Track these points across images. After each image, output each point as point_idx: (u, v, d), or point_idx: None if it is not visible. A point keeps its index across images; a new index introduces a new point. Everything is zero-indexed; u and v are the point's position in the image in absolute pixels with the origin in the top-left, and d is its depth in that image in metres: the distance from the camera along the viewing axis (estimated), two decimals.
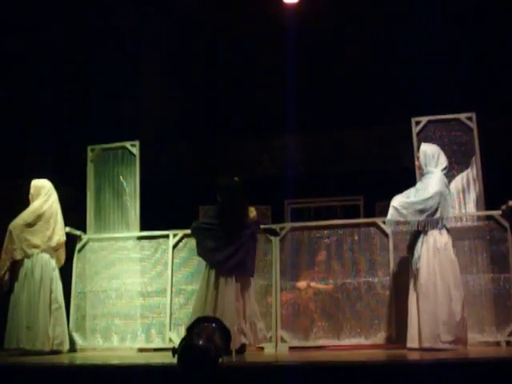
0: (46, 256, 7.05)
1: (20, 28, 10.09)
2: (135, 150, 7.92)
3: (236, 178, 6.70)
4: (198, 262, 7.34)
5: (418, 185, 6.33)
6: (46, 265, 7.04)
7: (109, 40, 10.62)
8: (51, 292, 7.01)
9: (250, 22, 10.52)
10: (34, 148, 10.52)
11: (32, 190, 7.24)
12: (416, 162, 6.47)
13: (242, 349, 6.21)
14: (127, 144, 8.00)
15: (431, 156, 6.24)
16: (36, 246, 7.00)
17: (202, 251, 6.56)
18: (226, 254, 6.33)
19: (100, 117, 10.51)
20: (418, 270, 6.05)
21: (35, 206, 7.16)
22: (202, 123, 10.80)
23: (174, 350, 4.55)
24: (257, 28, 10.57)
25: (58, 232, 7.20)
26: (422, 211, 6.04)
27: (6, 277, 6.94)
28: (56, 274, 7.15)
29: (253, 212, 7.41)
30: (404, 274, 6.69)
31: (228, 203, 6.49)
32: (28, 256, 6.95)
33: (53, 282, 7.06)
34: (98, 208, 7.91)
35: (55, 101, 10.85)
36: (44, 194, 7.22)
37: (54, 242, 7.13)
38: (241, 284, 6.35)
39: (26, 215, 7.11)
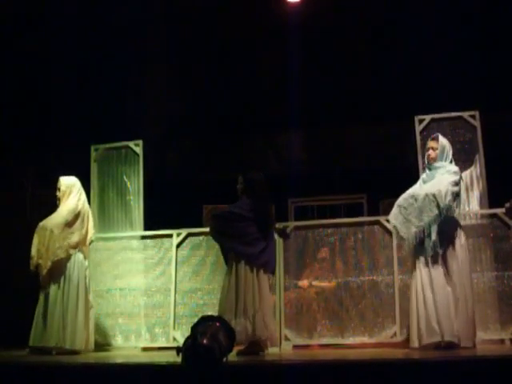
0: (81, 255, 7.01)
1: (23, 26, 10.11)
2: (139, 150, 7.93)
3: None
4: (202, 261, 7.38)
5: (427, 176, 6.22)
6: (82, 264, 7.02)
7: (112, 39, 10.63)
8: (86, 292, 7.00)
9: (254, 19, 10.51)
10: (37, 147, 10.54)
11: (63, 188, 7.10)
12: (430, 153, 6.21)
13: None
14: (131, 143, 8.01)
15: (448, 150, 6.21)
16: (75, 246, 6.95)
17: (229, 242, 6.33)
18: (259, 249, 6.26)
19: (103, 116, 10.52)
20: (436, 256, 5.91)
21: (71, 204, 7.07)
22: (205, 122, 10.79)
23: (178, 349, 4.56)
24: (260, 26, 10.56)
25: (90, 230, 7.18)
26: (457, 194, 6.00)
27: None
28: (88, 273, 7.10)
29: None
30: (408, 272, 6.70)
31: (262, 198, 6.41)
32: (69, 255, 6.90)
33: (87, 281, 7.05)
34: (101, 207, 7.93)
35: (58, 100, 10.86)
36: (76, 192, 7.16)
37: (88, 241, 7.13)
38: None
39: (65, 214, 7.00)
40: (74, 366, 5.39)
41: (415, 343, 5.88)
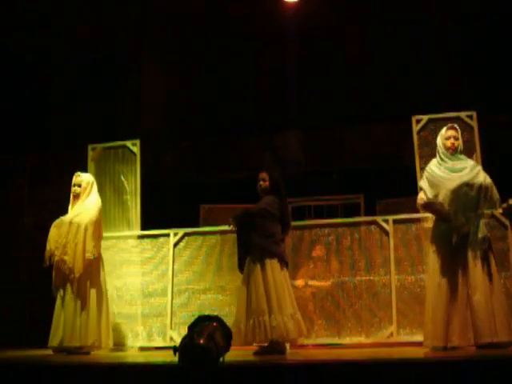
0: (100, 254, 6.98)
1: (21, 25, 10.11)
2: (136, 149, 7.93)
3: None
4: (199, 261, 7.38)
5: (453, 165, 5.90)
6: (103, 263, 7.01)
7: (110, 39, 10.63)
8: (107, 291, 6.99)
9: (252, 20, 10.52)
10: (35, 147, 10.53)
11: (84, 184, 6.98)
12: (454, 141, 5.92)
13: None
14: (128, 143, 8.01)
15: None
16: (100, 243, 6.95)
17: (259, 239, 6.11)
18: (283, 248, 6.25)
19: (101, 115, 10.52)
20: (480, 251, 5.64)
21: (97, 202, 7.01)
22: (202, 121, 10.80)
23: (175, 349, 4.56)
24: (258, 26, 10.57)
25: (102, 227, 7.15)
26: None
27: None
28: (103, 271, 7.04)
29: None
30: (404, 272, 6.72)
31: (285, 197, 6.33)
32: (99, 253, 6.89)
33: (106, 281, 7.04)
34: None
35: (56, 99, 10.86)
36: (95, 189, 7.11)
37: (102, 238, 7.08)
38: None
39: (96, 212, 6.91)
40: (68, 365, 5.39)
41: (440, 342, 5.54)
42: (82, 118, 10.63)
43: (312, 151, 10.59)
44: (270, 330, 5.84)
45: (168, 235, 7.54)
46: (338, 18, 10.32)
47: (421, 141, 7.12)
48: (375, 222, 7.08)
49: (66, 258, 6.64)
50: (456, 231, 5.63)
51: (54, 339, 6.63)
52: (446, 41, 9.77)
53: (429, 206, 5.85)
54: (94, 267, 6.81)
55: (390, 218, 7.04)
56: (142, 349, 7.30)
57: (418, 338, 6.55)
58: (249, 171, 10.23)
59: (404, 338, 6.66)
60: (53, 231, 6.81)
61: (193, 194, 9.98)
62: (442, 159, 5.93)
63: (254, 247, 6.11)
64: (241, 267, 6.23)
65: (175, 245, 7.48)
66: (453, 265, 5.64)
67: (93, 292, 6.76)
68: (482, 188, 5.71)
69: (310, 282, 7.14)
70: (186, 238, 7.49)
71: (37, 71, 10.68)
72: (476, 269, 5.58)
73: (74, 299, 6.64)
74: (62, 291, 6.72)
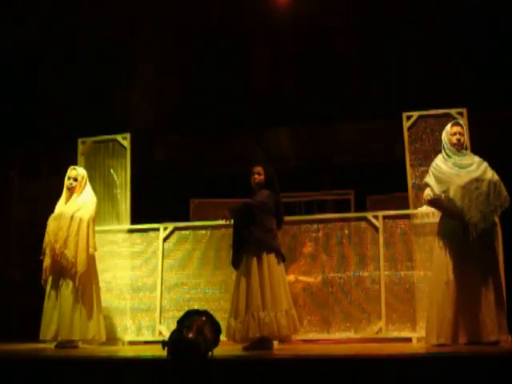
0: None
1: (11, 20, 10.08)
2: (126, 143, 7.90)
3: None
4: (188, 255, 7.38)
5: (460, 160, 5.85)
6: (96, 258, 7.02)
7: (100, 32, 10.60)
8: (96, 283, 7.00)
9: (244, 16, 10.52)
10: (24, 140, 10.50)
11: (80, 178, 6.99)
12: (460, 137, 5.88)
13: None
14: (118, 137, 7.97)
15: None
16: None
17: (258, 233, 6.06)
18: (280, 242, 6.25)
19: (91, 109, 10.50)
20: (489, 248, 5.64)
21: (93, 197, 7.05)
22: (193, 116, 10.79)
23: (163, 343, 4.56)
24: (251, 23, 10.57)
25: None
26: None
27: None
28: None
29: None
30: (393, 267, 6.73)
31: (278, 192, 6.30)
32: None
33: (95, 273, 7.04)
34: None
35: (46, 93, 10.82)
36: (88, 183, 7.14)
37: None
38: None
39: (94, 207, 6.97)
40: (57, 359, 5.37)
41: (447, 340, 5.50)
42: (73, 111, 10.61)
43: (303, 147, 10.61)
44: (263, 326, 5.83)
45: (158, 229, 7.52)
46: (329, 16, 10.34)
47: (411, 137, 7.12)
48: (365, 218, 7.09)
49: (66, 251, 6.65)
50: (473, 227, 5.56)
51: (48, 332, 6.63)
52: (436, 38, 9.80)
53: (436, 202, 5.82)
54: (91, 262, 6.84)
55: (380, 214, 7.04)
56: (131, 343, 7.29)
57: (407, 333, 6.59)
58: (239, 166, 10.23)
59: (393, 333, 6.67)
60: (52, 224, 6.82)
61: (183, 188, 9.97)
62: (447, 155, 5.89)
63: (254, 241, 6.05)
64: (236, 263, 6.18)
65: (165, 239, 7.46)
66: (463, 261, 5.60)
67: (92, 286, 6.81)
68: (491, 184, 5.67)
69: (301, 278, 7.14)
70: (176, 232, 7.48)
71: (27, 65, 10.65)
72: (488, 266, 5.58)
73: (74, 293, 6.64)
74: (56, 284, 6.71)
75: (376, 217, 7.01)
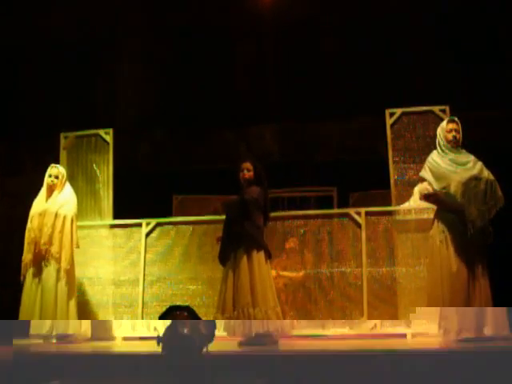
0: None
1: None
2: (109, 138, 7.87)
3: None
4: (171, 251, 7.37)
5: (456, 158, 5.85)
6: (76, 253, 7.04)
7: (83, 26, 10.55)
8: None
9: (228, 11, 10.50)
10: (7, 135, 10.43)
11: (61, 176, 7.05)
12: (455, 134, 5.89)
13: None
14: (101, 131, 7.94)
15: None
16: None
17: (254, 229, 6.10)
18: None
19: (74, 104, 10.44)
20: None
21: (73, 193, 7.12)
22: (177, 111, 10.76)
23: (158, 339, 4.55)
24: (235, 17, 10.55)
25: None
26: None
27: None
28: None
29: None
30: (375, 264, 6.76)
31: (267, 188, 6.32)
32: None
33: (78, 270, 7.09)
34: None
35: (27, 87, 10.75)
36: (67, 181, 7.19)
37: None
38: None
39: (75, 204, 7.05)
40: (50, 355, 5.37)
41: (471, 333, 5.48)
42: (55, 106, 10.54)
43: (286, 143, 10.61)
44: (255, 322, 5.85)
45: (140, 225, 7.50)
46: (313, 12, 10.35)
47: (394, 134, 7.14)
48: (348, 215, 7.10)
49: (51, 248, 6.71)
50: (471, 224, 5.58)
51: (44, 326, 6.72)
52: (422, 36, 9.83)
53: (435, 196, 5.77)
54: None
55: (363, 210, 7.06)
56: (112, 339, 7.27)
57: (391, 330, 6.63)
58: (222, 162, 10.23)
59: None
60: (36, 220, 6.84)
61: (165, 183, 9.95)
62: (443, 152, 5.89)
63: (246, 237, 6.05)
64: (223, 258, 6.16)
65: (147, 234, 7.44)
66: (466, 253, 5.60)
67: (74, 281, 6.90)
68: (488, 183, 5.70)
69: (282, 273, 7.15)
70: (158, 227, 7.46)
71: (10, 59, 10.57)
72: (482, 262, 5.61)
73: (62, 288, 6.71)
74: (36, 279, 6.73)
75: (358, 213, 7.03)
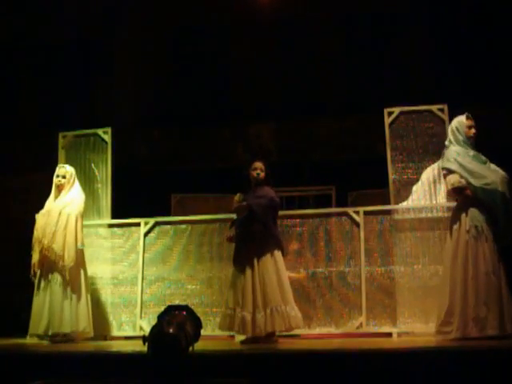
0: None
1: None
2: (107, 137, 7.86)
3: None
4: (169, 250, 7.36)
5: (477, 155, 5.80)
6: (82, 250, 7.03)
7: (82, 27, 10.54)
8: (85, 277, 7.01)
9: (225, 9, 10.50)
10: (4, 134, 10.42)
11: (68, 176, 7.06)
12: (472, 131, 5.82)
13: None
14: (99, 131, 7.93)
15: None
16: None
17: (275, 229, 6.20)
18: None
19: (72, 103, 10.44)
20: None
21: (81, 193, 7.11)
22: (175, 111, 10.76)
23: (144, 338, 4.54)
24: (231, 16, 10.55)
25: None
26: None
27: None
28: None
29: None
30: (374, 263, 6.76)
31: (273, 188, 6.36)
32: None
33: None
34: None
35: (26, 86, 10.75)
36: (77, 180, 7.19)
37: None
38: None
39: (83, 203, 7.03)
40: (38, 354, 5.36)
41: (495, 331, 5.37)
42: (54, 105, 10.54)
43: (284, 142, 10.62)
44: (289, 319, 5.89)
45: (139, 224, 7.49)
46: (310, 13, 10.35)
47: (392, 133, 7.14)
48: (346, 214, 7.10)
49: (54, 246, 6.69)
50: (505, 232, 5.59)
51: (40, 327, 6.66)
52: (418, 34, 9.83)
53: (466, 189, 5.65)
54: (80, 256, 6.86)
55: (361, 209, 7.06)
56: (112, 338, 7.26)
57: (387, 329, 6.62)
58: (220, 162, 10.24)
59: (373, 328, 6.70)
60: (40, 220, 6.87)
61: (164, 183, 9.95)
62: (466, 148, 5.79)
63: (270, 238, 6.08)
64: (239, 259, 6.12)
65: (146, 234, 7.44)
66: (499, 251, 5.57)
67: (81, 280, 6.84)
68: (504, 179, 5.65)
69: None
70: (157, 227, 7.45)
71: (8, 59, 10.57)
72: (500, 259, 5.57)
73: (63, 287, 6.67)
74: (45, 279, 6.74)
75: (357, 212, 7.03)
